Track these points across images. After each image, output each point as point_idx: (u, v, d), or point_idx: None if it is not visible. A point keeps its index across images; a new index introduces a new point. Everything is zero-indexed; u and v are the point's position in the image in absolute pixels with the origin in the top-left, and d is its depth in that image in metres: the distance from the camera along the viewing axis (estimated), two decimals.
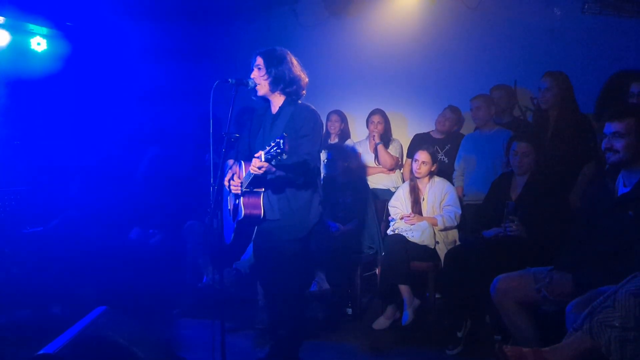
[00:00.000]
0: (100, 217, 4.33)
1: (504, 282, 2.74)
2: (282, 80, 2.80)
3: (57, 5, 4.86)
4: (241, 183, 2.79)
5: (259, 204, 2.77)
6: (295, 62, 2.86)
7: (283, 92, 2.85)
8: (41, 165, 4.69)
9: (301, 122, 2.77)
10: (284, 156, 2.42)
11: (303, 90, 2.88)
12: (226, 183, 2.85)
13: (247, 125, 3.00)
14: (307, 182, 2.82)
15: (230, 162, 2.97)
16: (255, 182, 2.70)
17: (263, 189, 2.78)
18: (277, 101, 2.89)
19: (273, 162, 2.48)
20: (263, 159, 2.47)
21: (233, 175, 2.84)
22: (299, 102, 2.89)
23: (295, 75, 2.83)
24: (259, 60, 2.82)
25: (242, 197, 2.77)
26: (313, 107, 2.87)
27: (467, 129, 4.85)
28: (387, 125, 4.77)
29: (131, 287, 3.77)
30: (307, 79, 2.89)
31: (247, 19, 5.93)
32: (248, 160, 2.83)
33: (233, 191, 2.83)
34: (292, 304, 2.88)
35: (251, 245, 3.15)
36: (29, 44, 5.10)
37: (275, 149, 2.42)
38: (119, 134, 4.90)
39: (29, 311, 4.00)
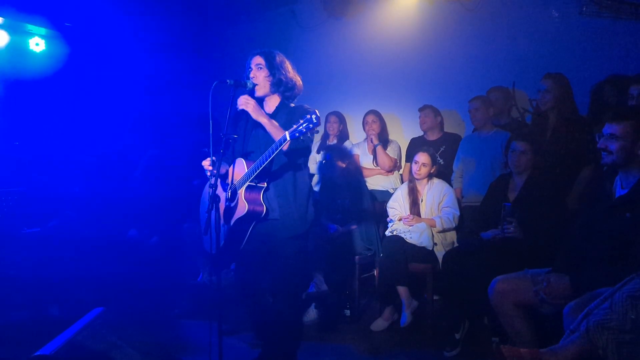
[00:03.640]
0: (99, 218, 4.33)
1: (501, 283, 2.74)
2: (284, 83, 2.84)
3: (56, 6, 4.87)
4: (243, 178, 2.77)
5: (260, 200, 2.76)
6: (291, 65, 2.91)
7: (282, 94, 2.88)
8: (39, 165, 4.68)
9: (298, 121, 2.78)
10: (317, 130, 2.47)
11: (299, 93, 2.93)
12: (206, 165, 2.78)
13: (241, 124, 2.98)
14: (304, 179, 2.86)
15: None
16: (261, 175, 2.70)
17: (265, 184, 2.77)
18: (273, 102, 2.91)
19: (298, 136, 2.49)
20: (289, 138, 2.49)
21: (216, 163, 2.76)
22: (292, 105, 2.91)
23: (294, 78, 2.88)
24: (260, 60, 2.82)
25: (243, 193, 2.75)
26: (307, 105, 2.89)
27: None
28: (383, 124, 4.77)
29: (128, 288, 3.77)
30: (301, 83, 2.93)
31: (246, 20, 5.94)
32: (247, 158, 2.83)
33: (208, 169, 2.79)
34: (291, 304, 2.88)
35: None
36: (27, 45, 5.10)
37: (306, 124, 2.44)
38: (118, 134, 4.90)
39: (26, 312, 3.99)
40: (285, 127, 2.68)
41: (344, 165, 4.49)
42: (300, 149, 2.73)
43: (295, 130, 2.48)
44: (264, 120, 2.72)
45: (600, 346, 2.02)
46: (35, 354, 2.19)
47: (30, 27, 5.02)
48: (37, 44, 5.11)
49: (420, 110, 4.70)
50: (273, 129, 2.71)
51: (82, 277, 3.88)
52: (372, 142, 4.69)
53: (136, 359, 2.33)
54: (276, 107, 2.89)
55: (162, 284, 4.06)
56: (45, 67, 5.01)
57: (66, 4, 4.88)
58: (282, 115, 2.81)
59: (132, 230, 4.40)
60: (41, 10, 4.82)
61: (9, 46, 4.93)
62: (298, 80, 2.90)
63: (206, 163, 2.80)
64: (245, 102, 2.72)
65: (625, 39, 4.41)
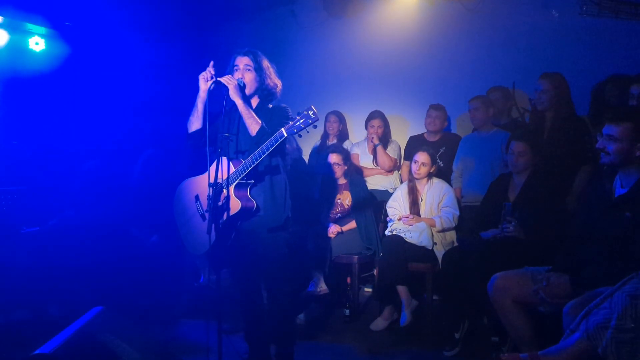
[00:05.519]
0: (98, 217, 4.32)
1: (501, 279, 2.75)
2: (269, 87, 2.88)
3: (56, 5, 4.85)
4: (233, 176, 2.77)
5: (248, 196, 2.78)
6: (273, 69, 2.94)
7: (264, 97, 2.91)
8: (38, 165, 4.68)
9: (278, 120, 2.79)
10: (315, 125, 2.51)
11: (278, 97, 2.96)
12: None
13: (233, 124, 2.98)
14: (280, 173, 2.89)
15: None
16: (250, 172, 2.72)
17: (252, 181, 2.79)
18: (253, 103, 2.93)
19: (296, 132, 2.52)
20: (286, 134, 2.53)
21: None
22: (270, 105, 2.92)
23: (276, 82, 2.92)
24: (249, 61, 2.85)
25: (233, 191, 2.75)
26: (284, 104, 2.92)
27: (465, 130, 4.86)
28: (387, 129, 4.78)
29: (128, 287, 3.76)
30: (281, 87, 2.96)
31: (246, 20, 5.93)
32: (238, 157, 2.84)
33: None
34: (283, 300, 2.91)
35: None
36: (27, 44, 5.09)
37: (303, 120, 2.47)
38: (117, 134, 4.89)
39: (26, 311, 3.98)
40: (268, 125, 2.70)
41: (343, 165, 4.49)
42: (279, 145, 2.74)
43: (292, 126, 2.51)
44: (239, 102, 2.74)
45: (600, 346, 2.02)
46: (34, 353, 2.19)
47: (30, 26, 5.01)
48: (37, 43, 5.10)
49: (434, 108, 4.60)
50: (246, 111, 2.74)
51: (82, 276, 3.88)
52: (372, 141, 4.69)
53: (136, 358, 2.32)
54: (255, 108, 2.91)
55: (162, 283, 4.06)
56: (45, 66, 5.00)
57: (66, 3, 4.87)
58: (261, 116, 2.82)
59: (132, 230, 4.39)
60: (41, 9, 4.81)
61: (9, 45, 4.92)
62: (279, 84, 2.94)
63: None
64: (228, 80, 2.73)
65: (625, 39, 4.41)
